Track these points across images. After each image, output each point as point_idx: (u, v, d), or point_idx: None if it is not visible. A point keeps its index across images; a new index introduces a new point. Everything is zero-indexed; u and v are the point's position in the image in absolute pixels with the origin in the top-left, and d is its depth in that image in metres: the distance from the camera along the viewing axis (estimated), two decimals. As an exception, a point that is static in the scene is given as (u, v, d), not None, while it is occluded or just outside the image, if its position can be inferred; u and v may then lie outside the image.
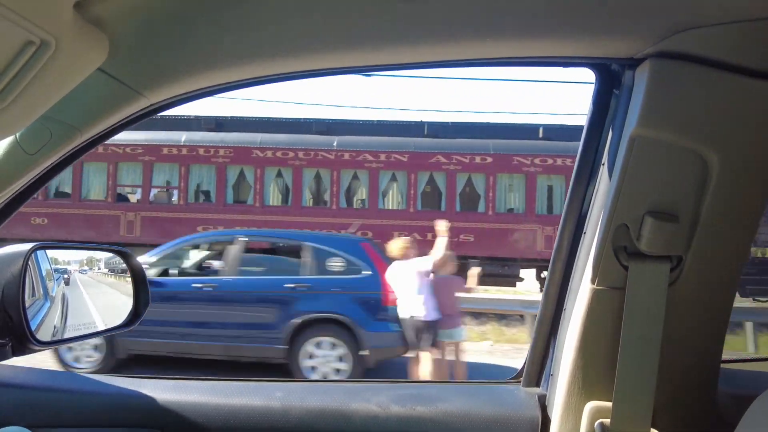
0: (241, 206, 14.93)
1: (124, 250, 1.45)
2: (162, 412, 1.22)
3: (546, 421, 1.21)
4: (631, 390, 1.03)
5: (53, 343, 1.34)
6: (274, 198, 15.13)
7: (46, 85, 0.78)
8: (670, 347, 1.04)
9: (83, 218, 14.42)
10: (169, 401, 1.23)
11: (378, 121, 15.97)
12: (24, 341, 1.15)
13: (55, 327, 1.31)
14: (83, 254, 1.54)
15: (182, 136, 14.77)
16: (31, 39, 0.68)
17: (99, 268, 1.51)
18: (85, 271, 1.48)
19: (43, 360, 6.36)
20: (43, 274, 1.33)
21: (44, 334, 1.23)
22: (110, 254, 1.54)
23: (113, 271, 1.51)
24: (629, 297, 1.02)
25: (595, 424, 1.06)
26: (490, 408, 1.25)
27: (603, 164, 1.12)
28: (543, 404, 1.24)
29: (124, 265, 1.40)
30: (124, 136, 14.20)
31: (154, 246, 14.01)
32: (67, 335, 1.31)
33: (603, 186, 1.10)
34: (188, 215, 14.65)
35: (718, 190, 0.98)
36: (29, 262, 1.20)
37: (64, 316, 1.35)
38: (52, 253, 1.38)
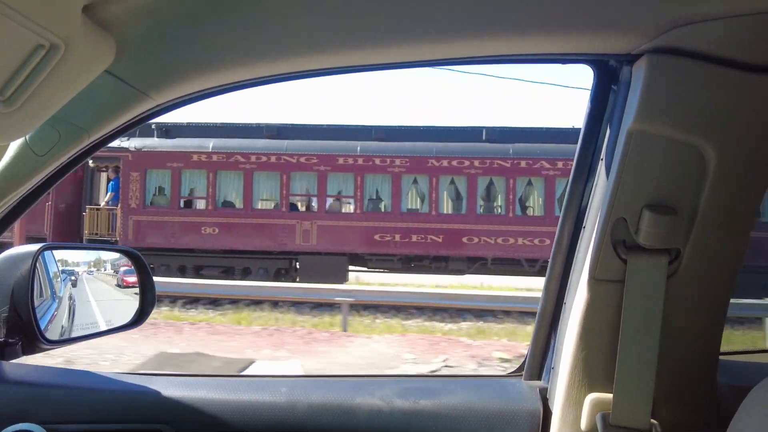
0: (415, 214, 14.94)
1: (132, 251, 1.45)
2: (171, 408, 1.22)
3: (547, 413, 1.21)
4: (632, 382, 1.03)
5: (62, 342, 1.33)
6: (446, 206, 15.03)
7: (55, 88, 0.78)
8: (669, 339, 1.04)
9: (255, 227, 14.94)
10: (177, 397, 1.24)
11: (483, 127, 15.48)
12: (34, 340, 1.19)
13: (63, 327, 1.32)
14: (91, 255, 1.54)
15: (357, 146, 15.03)
16: (41, 42, 0.69)
17: (105, 269, 1.51)
18: (93, 272, 1.48)
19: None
20: (51, 275, 1.33)
21: (53, 334, 1.26)
22: (118, 255, 1.53)
23: (118, 272, 1.51)
24: (628, 290, 1.03)
25: (596, 416, 1.06)
26: (492, 401, 1.26)
27: (601, 159, 1.12)
28: (544, 397, 1.25)
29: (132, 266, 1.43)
30: (296, 146, 14.68)
31: (331, 255, 14.48)
32: (74, 334, 1.33)
33: (602, 181, 1.10)
34: (363, 224, 14.86)
35: (716, 183, 0.98)
36: (37, 263, 1.22)
37: (72, 316, 1.35)
38: (60, 254, 1.41)
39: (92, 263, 1.49)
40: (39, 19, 0.66)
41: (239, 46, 0.98)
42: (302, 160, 15.04)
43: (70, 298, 1.39)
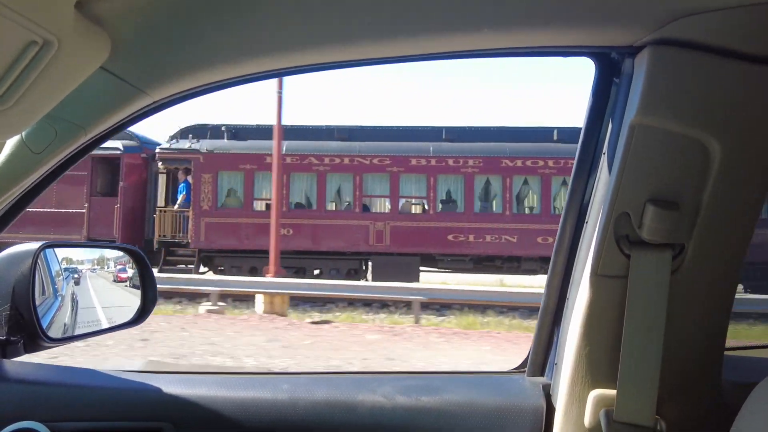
0: (489, 214, 15.04)
1: (133, 248, 1.45)
2: (172, 406, 1.23)
3: (551, 409, 1.20)
4: (635, 378, 1.02)
5: (64, 340, 1.33)
6: (520, 206, 15.14)
7: (49, 85, 0.78)
8: (673, 335, 1.02)
9: (328, 228, 15.03)
10: (178, 395, 1.23)
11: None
12: (35, 338, 1.19)
13: (65, 325, 1.32)
14: (94, 253, 1.56)
15: (429, 147, 15.13)
16: (34, 39, 0.69)
17: (108, 267, 1.51)
18: (96, 270, 1.48)
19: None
20: (53, 273, 1.33)
21: (55, 332, 1.26)
22: (120, 253, 1.54)
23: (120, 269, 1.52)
24: (632, 285, 1.01)
25: (600, 413, 1.05)
26: (495, 398, 1.25)
27: (603, 153, 1.10)
28: (547, 393, 1.24)
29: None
30: (367, 146, 14.78)
31: (403, 255, 14.54)
32: (77, 332, 1.34)
33: (604, 175, 1.09)
34: (436, 224, 14.94)
35: (720, 177, 0.96)
36: (38, 261, 1.22)
37: (74, 314, 1.36)
38: (63, 252, 1.41)
39: (96, 261, 1.50)
40: (31, 15, 0.66)
41: (235, 41, 0.97)
42: (375, 161, 15.14)
43: (73, 296, 1.38)
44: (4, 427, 1.09)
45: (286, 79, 12.43)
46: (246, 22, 0.92)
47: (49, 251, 1.30)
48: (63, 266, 1.37)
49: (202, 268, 15.70)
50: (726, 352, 1.11)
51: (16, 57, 0.70)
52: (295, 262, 15.00)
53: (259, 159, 15.21)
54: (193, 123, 15.97)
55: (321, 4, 0.90)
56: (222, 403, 1.23)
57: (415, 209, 15.48)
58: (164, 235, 15.72)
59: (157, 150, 15.79)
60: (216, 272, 15.21)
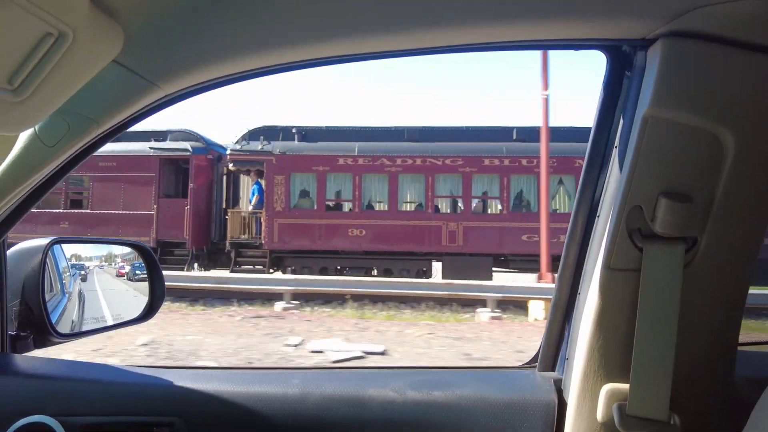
0: (564, 214, 15.04)
1: (141, 244, 1.45)
2: (181, 401, 1.23)
3: (562, 404, 1.19)
4: (649, 372, 1.01)
5: (72, 336, 1.35)
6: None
7: (63, 77, 0.79)
8: (686, 329, 1.01)
9: (400, 229, 15.10)
10: (188, 390, 1.24)
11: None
12: (45, 334, 1.21)
13: (73, 321, 1.34)
14: (102, 249, 1.56)
15: (503, 147, 15.15)
16: (49, 30, 0.69)
17: (116, 264, 1.52)
18: (104, 266, 1.49)
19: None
20: (61, 270, 1.34)
21: (64, 327, 1.28)
22: (128, 249, 1.54)
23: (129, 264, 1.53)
24: (644, 279, 1.00)
25: (613, 407, 1.04)
26: (506, 393, 1.24)
27: (615, 147, 1.10)
28: (559, 388, 1.23)
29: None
30: (439, 147, 14.82)
31: (476, 255, 14.57)
32: (85, 328, 1.35)
33: (616, 168, 1.08)
34: (510, 224, 14.97)
35: (734, 169, 0.95)
36: (47, 258, 1.22)
37: (82, 310, 1.37)
38: (73, 248, 1.42)
39: (104, 257, 1.51)
40: (47, 7, 0.66)
41: (247, 35, 0.97)
42: (447, 162, 15.18)
43: (80, 292, 1.40)
44: (16, 421, 1.10)
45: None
46: (257, 16, 0.92)
47: (56, 247, 1.30)
48: (70, 262, 1.39)
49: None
50: (739, 347, 1.09)
51: (32, 49, 0.71)
52: (364, 263, 15.06)
53: (332, 160, 15.30)
54: (261, 125, 16.05)
55: None
56: (232, 398, 1.22)
57: (490, 209, 15.50)
58: (236, 236, 15.82)
59: (229, 151, 15.88)
60: (284, 273, 15.28)
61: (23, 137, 1.00)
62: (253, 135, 15.90)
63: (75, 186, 16.48)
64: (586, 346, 1.08)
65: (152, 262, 1.40)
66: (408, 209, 15.58)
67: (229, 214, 16.18)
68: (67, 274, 1.36)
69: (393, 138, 15.79)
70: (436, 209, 15.47)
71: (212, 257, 16.46)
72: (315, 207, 15.52)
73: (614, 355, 1.06)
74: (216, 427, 1.21)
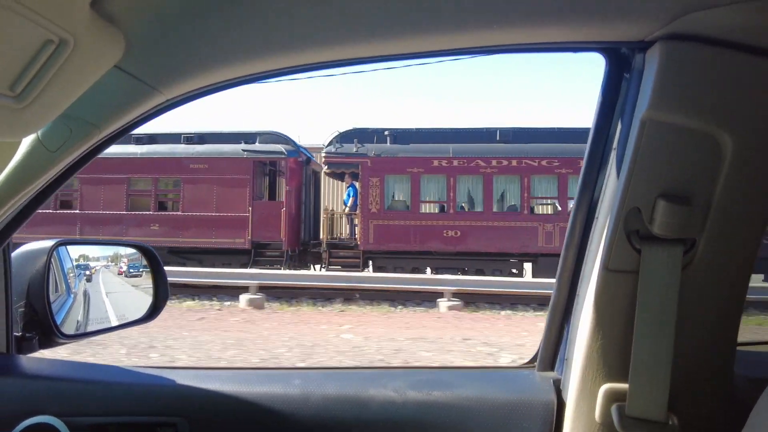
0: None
1: (145, 246, 1.45)
2: (184, 401, 1.23)
3: (561, 404, 1.20)
4: (647, 373, 1.01)
5: (77, 337, 1.36)
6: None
7: (65, 83, 0.79)
8: (684, 330, 1.02)
9: (495, 230, 15.23)
10: (191, 390, 1.25)
11: None
12: (50, 334, 1.23)
13: (78, 321, 1.34)
14: (108, 250, 1.56)
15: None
16: (50, 37, 0.70)
17: (120, 264, 1.53)
18: (109, 266, 1.49)
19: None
20: (66, 270, 1.34)
21: (68, 328, 1.28)
22: (132, 250, 1.54)
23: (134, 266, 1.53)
24: (643, 280, 1.01)
25: (611, 408, 1.04)
26: (506, 393, 1.25)
27: (614, 149, 1.10)
28: (558, 388, 1.24)
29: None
30: (532, 148, 14.92)
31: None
32: (90, 329, 1.35)
33: (614, 170, 1.08)
34: (604, 225, 15.00)
35: (732, 171, 0.96)
36: (52, 259, 1.23)
37: (87, 311, 1.37)
38: (78, 249, 1.43)
39: (109, 258, 1.51)
40: (47, 14, 0.67)
41: (248, 39, 0.97)
42: (543, 163, 15.25)
43: (85, 293, 1.40)
44: (21, 422, 1.12)
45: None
46: (259, 20, 0.92)
47: (62, 249, 1.31)
48: (76, 263, 1.40)
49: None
50: (738, 347, 1.09)
51: (33, 56, 0.71)
52: (456, 263, 15.27)
53: (427, 162, 15.47)
54: (352, 127, 16.32)
55: (332, 1, 0.90)
56: (234, 398, 1.24)
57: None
58: (331, 238, 16.19)
59: (323, 154, 16.18)
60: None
61: (26, 142, 1.02)
62: (344, 137, 16.14)
63: (163, 188, 16.91)
64: (585, 347, 1.09)
65: (156, 263, 1.41)
66: (503, 210, 15.59)
67: (325, 215, 16.52)
68: (72, 274, 1.37)
69: (485, 139, 15.88)
70: (531, 210, 15.58)
71: (301, 258, 16.86)
72: (410, 208, 15.77)
73: (613, 355, 1.07)
74: (219, 428, 1.22)
